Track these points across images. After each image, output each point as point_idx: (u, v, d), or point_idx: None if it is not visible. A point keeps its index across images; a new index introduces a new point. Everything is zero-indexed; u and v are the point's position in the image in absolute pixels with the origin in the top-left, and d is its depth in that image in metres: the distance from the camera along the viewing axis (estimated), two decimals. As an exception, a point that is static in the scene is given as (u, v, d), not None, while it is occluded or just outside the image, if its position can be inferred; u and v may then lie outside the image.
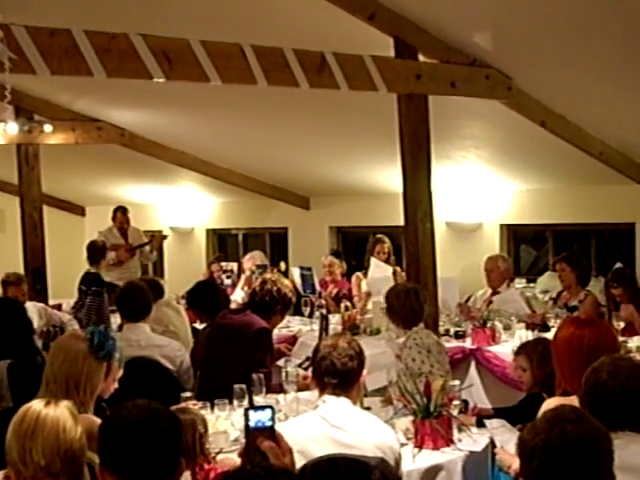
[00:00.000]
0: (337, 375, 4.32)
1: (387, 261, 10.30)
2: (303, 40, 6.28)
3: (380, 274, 9.78)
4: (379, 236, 10.71)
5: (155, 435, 3.23)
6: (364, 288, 10.13)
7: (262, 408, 2.96)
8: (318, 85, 6.31)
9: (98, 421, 3.79)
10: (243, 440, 4.88)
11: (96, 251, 10.82)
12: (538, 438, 2.96)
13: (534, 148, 9.35)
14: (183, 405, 5.08)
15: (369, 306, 9.27)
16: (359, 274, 10.71)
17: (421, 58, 7.06)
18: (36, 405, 3.56)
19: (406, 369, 6.01)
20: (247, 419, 2.91)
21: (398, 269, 10.21)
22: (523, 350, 5.82)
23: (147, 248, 12.62)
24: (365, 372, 4.52)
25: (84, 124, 11.18)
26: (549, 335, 6.71)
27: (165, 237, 13.68)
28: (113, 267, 12.15)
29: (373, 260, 10.12)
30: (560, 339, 4.53)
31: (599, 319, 5.29)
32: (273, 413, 2.92)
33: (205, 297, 7.69)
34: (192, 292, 8.12)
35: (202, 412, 4.99)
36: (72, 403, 3.60)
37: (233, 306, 8.52)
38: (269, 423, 2.91)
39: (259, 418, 2.90)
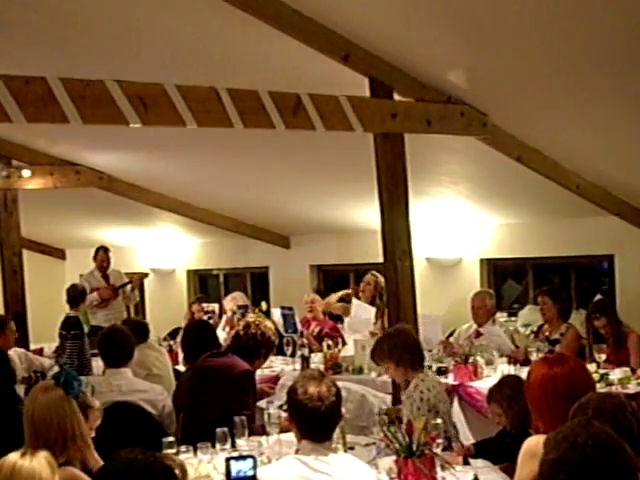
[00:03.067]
0: (323, 427, 4.32)
1: (373, 297, 10.33)
2: (278, 82, 6.32)
3: (362, 315, 9.84)
4: (372, 272, 10.68)
5: None
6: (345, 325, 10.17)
7: (244, 458, 2.96)
8: (294, 126, 6.34)
9: (78, 473, 3.77)
10: (226, 485, 4.90)
11: (76, 294, 10.79)
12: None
13: (511, 183, 9.39)
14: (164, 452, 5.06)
15: (350, 344, 9.27)
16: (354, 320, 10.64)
17: (396, 97, 7.10)
18: (12, 456, 3.53)
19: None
20: (228, 469, 2.90)
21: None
22: (491, 397, 5.86)
23: (128, 288, 12.60)
24: (344, 410, 4.52)
25: (62, 168, 11.19)
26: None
27: (146, 275, 13.66)
28: (97, 309, 12.13)
29: (354, 301, 10.17)
30: (533, 382, 4.52)
31: (569, 356, 5.27)
32: (255, 463, 2.92)
33: (199, 337, 7.58)
34: (186, 331, 8.01)
35: (184, 456, 4.98)
36: (51, 455, 3.57)
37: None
38: (250, 473, 2.91)
39: (240, 468, 2.91)
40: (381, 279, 10.43)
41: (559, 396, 4.24)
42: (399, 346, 6.18)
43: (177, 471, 3.75)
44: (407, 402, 6.08)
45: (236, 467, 2.86)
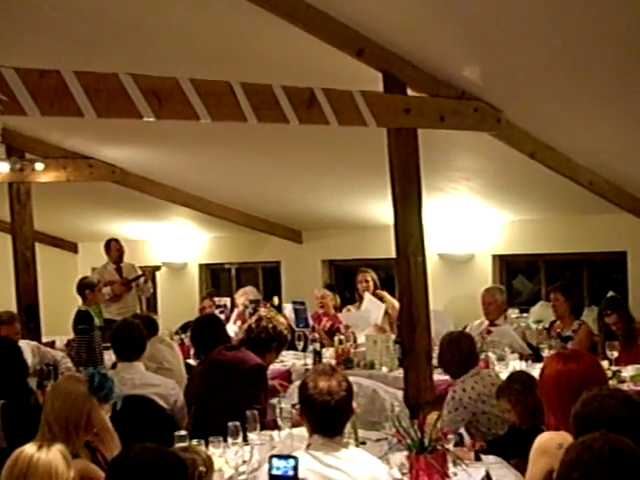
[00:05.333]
0: (334, 421, 4.33)
1: (374, 292, 10.40)
2: (292, 77, 6.31)
3: (373, 311, 9.86)
4: (362, 268, 10.84)
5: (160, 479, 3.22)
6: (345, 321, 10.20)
7: (286, 458, 2.95)
8: (308, 121, 6.33)
9: (92, 465, 3.79)
10: (238, 478, 4.92)
11: (83, 288, 10.80)
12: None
13: (524, 179, 9.38)
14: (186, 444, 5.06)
15: (362, 339, 9.28)
16: (350, 307, 10.74)
17: (410, 92, 7.09)
18: (29, 449, 3.56)
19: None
20: (270, 466, 2.90)
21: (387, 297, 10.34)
22: (500, 394, 5.88)
23: (142, 280, 12.63)
24: (355, 405, 4.53)
25: (75, 162, 11.20)
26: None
27: (158, 268, 13.72)
28: (111, 302, 12.17)
29: (367, 295, 10.19)
30: (547, 377, 4.53)
31: (583, 352, 5.28)
32: (296, 463, 2.90)
33: (208, 331, 7.59)
34: (195, 325, 8.03)
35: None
36: (65, 446, 3.60)
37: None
38: (291, 473, 2.90)
39: (282, 465, 2.89)
40: (374, 274, 10.57)
41: (573, 392, 4.23)
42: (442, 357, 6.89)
43: (201, 466, 3.75)
44: (449, 405, 6.48)
45: (277, 464, 2.85)
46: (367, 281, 10.64)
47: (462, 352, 6.69)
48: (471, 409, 6.33)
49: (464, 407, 6.32)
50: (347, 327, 9.85)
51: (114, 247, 12.58)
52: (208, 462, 4.20)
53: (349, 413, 4.43)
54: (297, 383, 7.47)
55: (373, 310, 10.03)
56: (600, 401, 3.68)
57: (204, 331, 7.56)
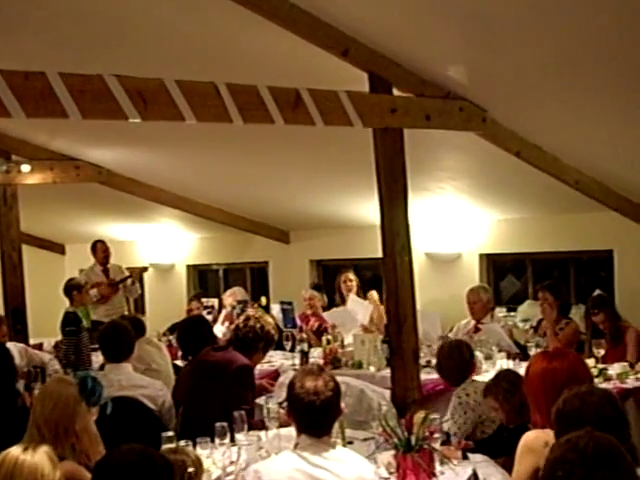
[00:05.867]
0: (320, 421, 4.34)
1: (357, 294, 10.45)
2: (277, 77, 6.31)
3: (359, 311, 9.88)
4: (342, 269, 10.91)
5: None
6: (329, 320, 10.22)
7: None
8: (293, 121, 6.33)
9: (80, 468, 3.79)
10: (225, 478, 4.92)
11: (69, 289, 10.78)
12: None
13: (510, 178, 9.40)
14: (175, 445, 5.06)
15: (349, 339, 9.29)
16: (336, 309, 10.76)
17: (395, 92, 7.09)
18: (14, 451, 3.55)
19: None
20: None
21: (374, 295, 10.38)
22: (488, 392, 5.90)
23: (129, 281, 12.64)
24: (343, 405, 4.54)
25: (62, 163, 11.19)
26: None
27: (145, 269, 13.73)
28: (98, 304, 12.17)
29: (352, 296, 10.23)
30: (532, 375, 4.55)
31: (568, 351, 5.30)
32: None
33: (194, 332, 7.58)
34: (181, 326, 8.03)
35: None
36: (52, 449, 3.59)
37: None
38: None
39: None
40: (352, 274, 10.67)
41: (558, 390, 4.25)
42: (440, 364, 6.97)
43: (191, 467, 3.74)
44: (450, 411, 6.49)
45: None
46: (351, 280, 10.66)
47: (463, 359, 6.75)
48: (478, 411, 6.35)
49: (472, 410, 6.34)
50: (334, 327, 9.86)
51: (100, 249, 12.59)
52: (197, 463, 4.21)
53: (336, 413, 4.44)
54: (282, 380, 7.52)
55: (359, 310, 10.05)
56: (581, 398, 3.70)
57: (190, 333, 7.55)
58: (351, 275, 10.77)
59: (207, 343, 7.14)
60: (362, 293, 10.80)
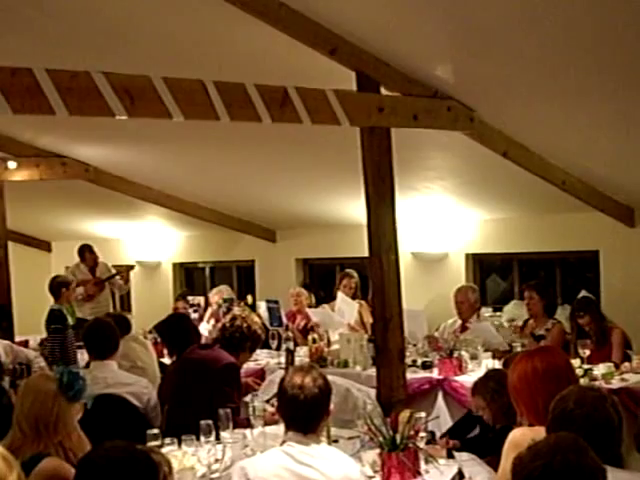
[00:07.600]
0: (304, 416, 4.34)
1: (354, 296, 10.41)
2: (265, 75, 6.29)
3: (346, 310, 9.88)
4: (348, 270, 10.85)
5: (130, 477, 3.20)
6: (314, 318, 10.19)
7: None
8: (281, 120, 6.32)
9: (65, 464, 3.76)
10: (210, 476, 4.93)
11: (56, 286, 10.77)
12: (539, 462, 2.96)
13: (497, 178, 9.42)
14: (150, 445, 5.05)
15: (335, 337, 9.29)
16: (325, 306, 10.75)
17: (383, 91, 7.09)
18: None
19: None
20: None
21: (364, 303, 10.34)
22: (475, 391, 5.89)
23: (117, 278, 12.65)
24: (332, 405, 4.54)
25: (48, 160, 11.16)
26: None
27: (132, 268, 13.72)
28: (83, 302, 12.15)
29: (340, 295, 10.20)
30: (515, 376, 4.54)
31: (551, 347, 5.30)
32: None
33: (177, 330, 7.60)
34: (164, 325, 8.03)
35: (169, 448, 4.99)
36: (5, 448, 3.44)
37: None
38: None
39: None
40: (357, 278, 10.58)
41: (538, 383, 4.27)
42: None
43: (165, 466, 3.73)
44: None
45: None
46: (351, 288, 10.61)
47: None
48: None
49: None
50: (317, 325, 9.88)
51: (89, 257, 12.62)
52: (168, 466, 4.20)
53: (322, 411, 4.43)
54: (271, 377, 7.53)
55: (346, 310, 10.05)
56: (575, 400, 3.69)
57: (172, 330, 7.59)
58: (354, 282, 10.67)
59: (191, 339, 7.18)
60: (361, 294, 10.76)
